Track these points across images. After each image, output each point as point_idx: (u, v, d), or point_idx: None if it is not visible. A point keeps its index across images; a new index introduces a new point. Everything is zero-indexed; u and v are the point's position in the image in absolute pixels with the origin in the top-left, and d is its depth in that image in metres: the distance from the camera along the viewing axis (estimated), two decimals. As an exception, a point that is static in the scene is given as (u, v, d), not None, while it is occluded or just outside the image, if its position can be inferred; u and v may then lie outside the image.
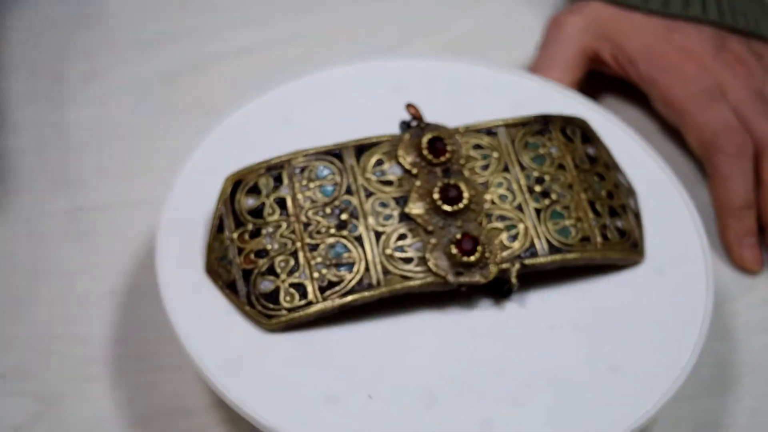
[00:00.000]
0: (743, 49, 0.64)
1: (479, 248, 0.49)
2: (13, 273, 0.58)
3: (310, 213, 0.50)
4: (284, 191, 0.51)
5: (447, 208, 0.50)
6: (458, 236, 0.49)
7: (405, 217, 0.50)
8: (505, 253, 0.50)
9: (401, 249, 0.49)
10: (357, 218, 0.50)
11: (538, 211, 0.51)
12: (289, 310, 0.49)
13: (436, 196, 0.50)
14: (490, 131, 0.53)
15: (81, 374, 0.54)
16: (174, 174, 0.53)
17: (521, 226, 0.51)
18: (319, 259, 0.49)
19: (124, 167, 0.63)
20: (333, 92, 0.58)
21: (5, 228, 0.59)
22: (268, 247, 0.50)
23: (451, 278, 0.49)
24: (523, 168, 0.52)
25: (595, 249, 0.51)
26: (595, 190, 0.52)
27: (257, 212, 0.50)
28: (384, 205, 0.50)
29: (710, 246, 0.54)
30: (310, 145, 0.52)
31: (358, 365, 0.48)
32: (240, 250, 0.50)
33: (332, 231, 0.50)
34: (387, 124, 0.54)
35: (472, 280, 0.49)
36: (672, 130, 0.65)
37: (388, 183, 0.51)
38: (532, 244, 0.50)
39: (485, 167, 0.52)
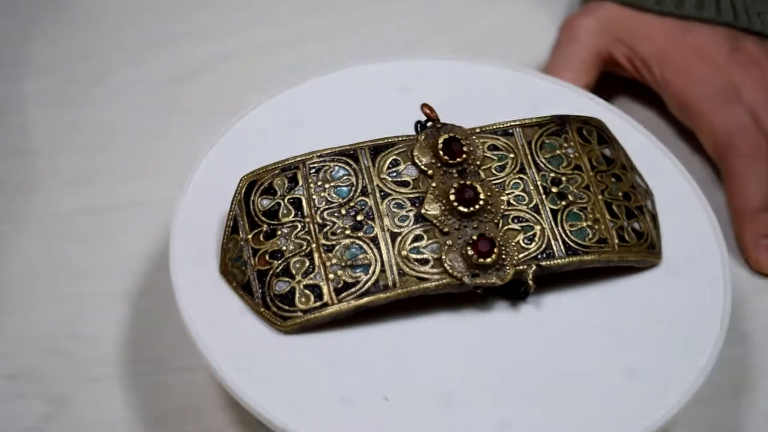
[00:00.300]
0: (758, 51, 0.64)
1: (496, 250, 0.49)
2: (26, 273, 0.57)
3: (325, 214, 0.50)
4: (299, 192, 0.50)
5: (463, 209, 0.49)
6: (474, 237, 0.49)
7: (421, 218, 0.50)
8: (521, 255, 0.49)
9: (417, 250, 0.49)
10: (372, 219, 0.50)
11: (554, 213, 0.51)
12: (305, 311, 0.48)
13: (452, 197, 0.49)
14: (506, 132, 0.53)
15: (92, 375, 0.54)
16: (187, 174, 0.53)
17: (538, 228, 0.50)
18: (334, 261, 0.49)
19: (136, 168, 0.62)
20: (345, 93, 0.58)
21: (17, 229, 0.59)
22: (283, 248, 0.49)
23: (467, 280, 0.48)
24: (539, 169, 0.52)
25: (612, 251, 0.50)
26: (611, 192, 0.52)
27: (272, 213, 0.50)
28: (400, 206, 0.50)
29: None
30: (324, 146, 0.52)
31: (373, 367, 0.48)
32: (255, 251, 0.50)
33: (348, 232, 0.49)
34: (400, 124, 0.53)
35: (488, 281, 0.48)
36: (686, 132, 0.64)
37: (404, 184, 0.51)
38: (549, 246, 0.50)
39: (501, 168, 0.51)
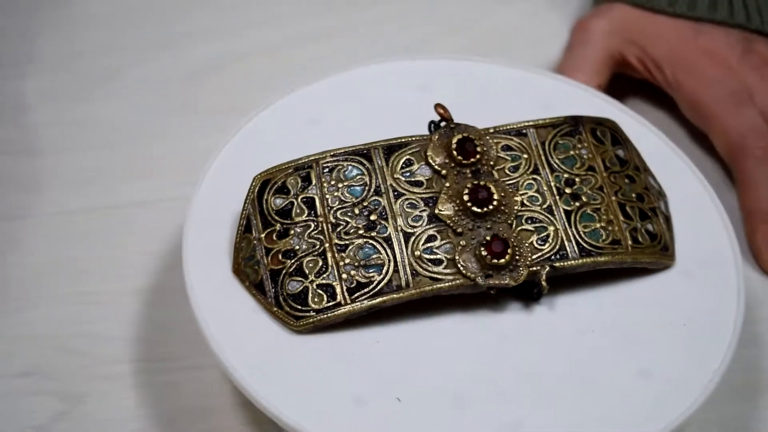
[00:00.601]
0: (770, 53, 0.64)
1: (509, 251, 0.48)
2: (39, 271, 0.57)
3: (338, 213, 0.50)
4: (312, 191, 0.50)
5: (477, 209, 0.49)
6: (488, 238, 0.49)
7: (434, 219, 0.50)
8: (535, 256, 0.49)
9: (430, 251, 0.49)
10: (386, 219, 0.50)
11: (568, 214, 0.51)
12: (318, 311, 0.48)
13: (465, 197, 0.49)
14: (519, 132, 0.52)
15: (104, 374, 0.54)
16: (200, 173, 0.53)
17: (551, 229, 0.50)
18: (347, 260, 0.49)
19: (148, 166, 0.62)
20: (359, 92, 0.58)
21: (29, 226, 0.59)
22: (296, 247, 0.49)
23: (480, 281, 0.48)
24: (553, 170, 0.52)
25: (625, 252, 0.50)
26: (625, 193, 0.52)
27: (285, 212, 0.50)
28: (413, 206, 0.50)
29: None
30: (337, 145, 0.52)
31: (385, 367, 0.48)
32: (268, 251, 0.49)
33: (361, 232, 0.49)
34: (413, 124, 0.53)
35: (501, 282, 0.48)
36: (699, 134, 0.64)
37: (418, 184, 0.51)
38: (563, 247, 0.50)
39: (515, 168, 0.51)
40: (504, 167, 0.51)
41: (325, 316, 0.48)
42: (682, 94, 0.63)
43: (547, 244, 0.50)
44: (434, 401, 0.47)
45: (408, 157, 0.51)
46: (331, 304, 0.48)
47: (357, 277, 0.48)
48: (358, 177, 0.51)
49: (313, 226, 0.50)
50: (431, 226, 0.50)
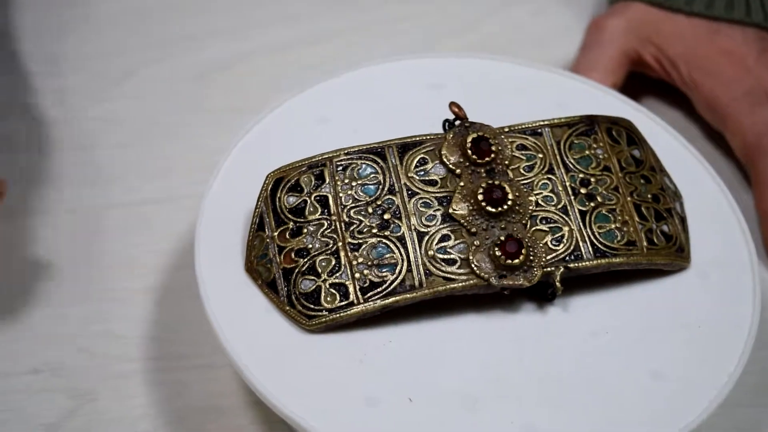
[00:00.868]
0: (788, 52, 0.63)
1: (523, 251, 0.48)
2: (51, 268, 0.57)
3: (352, 212, 0.49)
4: (326, 189, 0.50)
5: (491, 209, 0.49)
6: (502, 238, 0.48)
7: (448, 218, 0.49)
8: (549, 256, 0.49)
9: (444, 250, 0.49)
10: (399, 218, 0.49)
11: (583, 214, 0.50)
12: (330, 310, 0.48)
13: (480, 197, 0.49)
14: (535, 131, 0.52)
15: (115, 371, 0.54)
16: (213, 171, 0.53)
17: (566, 229, 0.50)
18: (360, 260, 0.48)
19: (162, 164, 0.62)
20: (370, 91, 0.57)
21: (42, 224, 0.59)
22: (309, 246, 0.49)
23: (494, 281, 0.48)
24: (568, 169, 0.51)
25: (640, 253, 0.50)
26: (641, 194, 0.51)
27: (298, 210, 0.50)
28: (427, 205, 0.50)
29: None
30: (350, 143, 0.51)
31: (398, 367, 0.47)
32: (280, 249, 0.49)
33: (374, 231, 0.49)
34: (426, 123, 0.53)
35: (515, 283, 0.48)
36: (715, 134, 0.64)
37: (432, 183, 0.50)
38: (577, 248, 0.49)
39: (530, 168, 0.51)
40: (519, 167, 0.51)
41: (338, 315, 0.48)
42: (698, 94, 0.63)
43: (562, 245, 0.49)
44: (446, 402, 0.47)
45: (422, 155, 0.51)
46: (343, 303, 0.48)
47: (370, 277, 0.48)
48: (372, 175, 0.50)
49: (326, 224, 0.49)
50: (445, 225, 0.49)
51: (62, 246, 0.58)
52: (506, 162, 0.51)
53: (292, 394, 0.46)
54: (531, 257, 0.48)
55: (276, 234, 0.50)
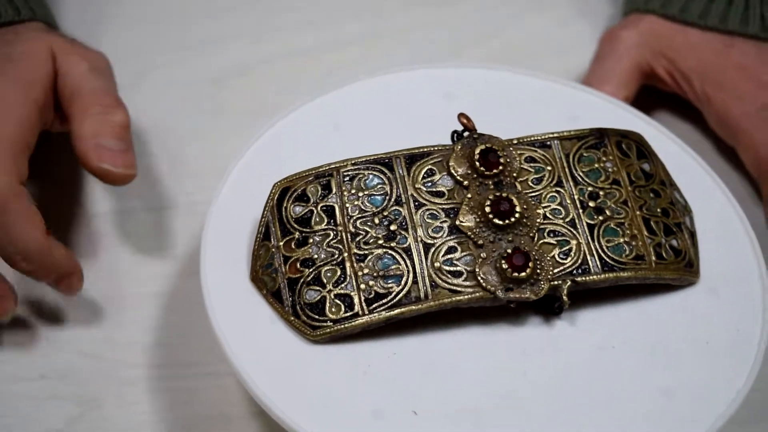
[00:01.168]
0: (802, 68, 0.63)
1: (530, 264, 0.48)
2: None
3: (358, 223, 0.49)
4: (332, 200, 0.50)
5: (498, 221, 0.49)
6: (509, 251, 0.48)
7: (455, 230, 0.49)
8: (556, 270, 0.49)
9: (450, 262, 0.48)
10: (406, 229, 0.49)
11: (591, 227, 0.50)
12: (335, 321, 0.48)
13: (487, 209, 0.49)
14: (544, 144, 0.52)
15: (121, 378, 0.54)
16: (221, 178, 0.53)
17: (574, 243, 0.49)
18: (366, 270, 0.48)
19: (172, 170, 0.62)
20: (383, 99, 0.57)
21: (52, 228, 0.59)
22: (315, 256, 0.49)
23: (500, 294, 0.48)
24: (576, 182, 0.51)
25: (649, 268, 0.49)
26: (650, 207, 0.51)
27: (305, 220, 0.50)
28: (434, 216, 0.49)
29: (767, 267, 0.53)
30: (359, 152, 0.51)
31: (403, 380, 0.47)
32: (286, 259, 0.49)
33: (380, 242, 0.49)
34: (438, 133, 0.53)
35: (522, 296, 0.48)
36: (727, 148, 0.63)
37: (439, 194, 0.50)
38: (585, 261, 0.49)
39: (538, 181, 0.51)
40: (527, 179, 0.51)
41: (343, 326, 0.48)
42: (710, 108, 0.63)
43: (570, 258, 0.49)
44: (451, 416, 0.46)
45: (430, 167, 0.51)
46: (348, 314, 0.48)
47: (375, 288, 0.48)
48: (379, 186, 0.50)
49: (332, 235, 0.49)
50: (452, 237, 0.49)
51: (71, 250, 0.58)
52: (514, 174, 0.50)
53: (296, 405, 0.46)
54: (538, 270, 0.48)
55: (282, 244, 0.49)
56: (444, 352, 0.48)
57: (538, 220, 0.50)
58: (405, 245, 0.49)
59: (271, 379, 0.47)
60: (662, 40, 0.64)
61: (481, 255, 0.48)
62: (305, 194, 0.50)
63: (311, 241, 0.49)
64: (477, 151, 0.50)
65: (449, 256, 0.49)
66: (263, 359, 0.47)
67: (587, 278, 0.49)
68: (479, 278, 0.48)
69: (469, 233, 0.49)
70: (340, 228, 0.49)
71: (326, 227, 0.49)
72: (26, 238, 0.51)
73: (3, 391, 0.53)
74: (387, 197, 0.50)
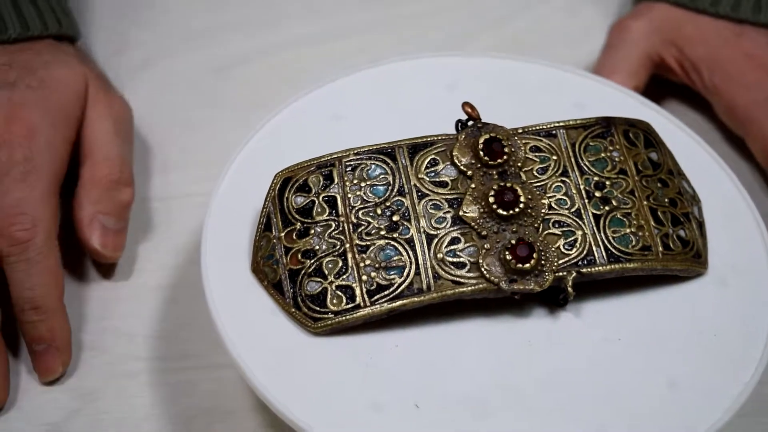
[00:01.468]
0: (812, 56, 0.62)
1: (535, 255, 0.47)
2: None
3: (360, 213, 0.49)
4: (334, 190, 0.49)
5: (502, 212, 0.48)
6: (513, 242, 0.47)
7: (458, 220, 0.48)
8: (561, 261, 0.48)
9: (453, 253, 0.48)
10: (408, 220, 0.48)
11: (597, 218, 0.49)
12: (336, 313, 0.47)
13: (491, 199, 0.48)
14: (549, 133, 0.51)
15: (120, 371, 0.53)
16: (223, 169, 0.52)
17: (579, 233, 0.49)
18: (368, 262, 0.48)
19: (174, 160, 0.62)
20: (387, 89, 0.56)
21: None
22: (316, 247, 0.48)
23: (504, 285, 0.47)
24: (582, 172, 0.50)
25: (656, 259, 0.49)
26: (657, 197, 0.50)
27: (306, 211, 0.49)
28: (437, 207, 0.49)
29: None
30: (362, 142, 0.51)
31: (404, 372, 0.47)
32: (287, 250, 0.48)
33: (383, 233, 0.48)
34: (442, 123, 0.52)
35: (526, 287, 0.47)
36: (736, 138, 0.62)
37: (442, 184, 0.49)
38: (591, 252, 0.48)
39: (543, 170, 0.50)
40: (532, 169, 0.50)
41: (344, 318, 0.47)
42: (719, 98, 0.62)
43: (575, 249, 0.48)
44: (454, 409, 0.46)
45: (433, 156, 0.50)
46: (350, 306, 0.47)
47: (377, 279, 0.47)
48: (382, 176, 0.49)
49: (334, 225, 0.48)
50: (455, 228, 0.48)
51: (73, 241, 0.57)
52: (519, 164, 0.50)
53: (296, 398, 0.45)
54: (542, 261, 0.47)
55: (283, 234, 0.49)
56: (447, 344, 0.48)
57: (543, 211, 0.49)
58: (407, 236, 0.48)
59: (271, 371, 0.46)
60: (672, 29, 0.63)
61: (485, 246, 0.48)
62: (307, 184, 0.49)
63: (313, 231, 0.48)
64: (481, 140, 0.49)
65: (452, 247, 0.48)
66: (263, 351, 0.47)
67: (593, 269, 0.48)
68: (483, 269, 0.47)
69: (473, 224, 0.48)
70: (342, 218, 0.49)
71: (328, 218, 0.49)
72: (46, 292, 0.52)
73: (2, 383, 0.52)
74: (389, 187, 0.49)
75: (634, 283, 0.49)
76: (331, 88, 0.56)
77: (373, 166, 0.50)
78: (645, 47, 0.63)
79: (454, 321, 0.48)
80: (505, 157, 0.49)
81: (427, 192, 0.49)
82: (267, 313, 0.48)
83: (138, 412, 0.52)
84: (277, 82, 0.66)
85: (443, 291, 0.47)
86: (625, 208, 0.50)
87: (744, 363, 0.47)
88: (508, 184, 0.48)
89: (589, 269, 0.48)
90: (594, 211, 0.49)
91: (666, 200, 0.51)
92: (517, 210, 0.48)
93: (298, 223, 0.49)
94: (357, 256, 0.48)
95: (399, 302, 0.47)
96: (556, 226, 0.49)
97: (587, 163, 0.50)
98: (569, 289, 0.47)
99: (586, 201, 0.49)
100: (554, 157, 0.50)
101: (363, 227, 0.48)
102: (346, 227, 0.48)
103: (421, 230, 0.48)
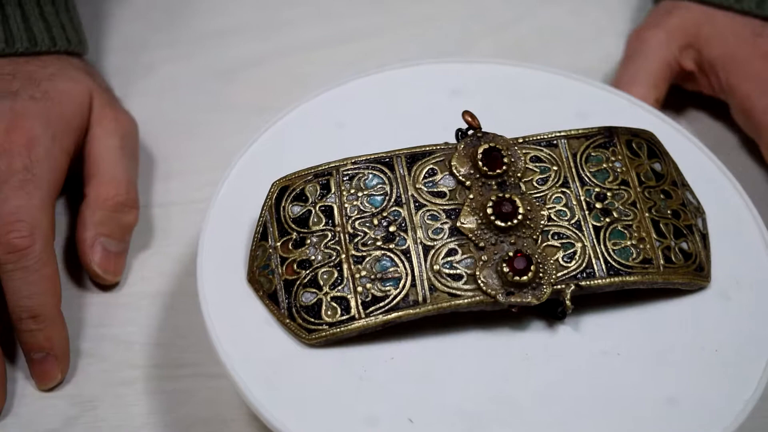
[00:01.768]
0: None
1: (533, 267, 0.46)
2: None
3: (357, 224, 0.48)
4: (331, 200, 0.49)
5: (500, 223, 0.47)
6: (511, 254, 0.47)
7: (456, 232, 0.48)
8: (560, 274, 0.47)
9: (450, 265, 0.47)
10: (405, 231, 0.48)
11: (597, 230, 0.48)
12: (331, 324, 0.46)
13: (489, 210, 0.47)
14: (550, 143, 0.50)
15: (118, 378, 0.53)
16: (221, 176, 0.52)
17: (579, 245, 0.48)
18: (363, 273, 0.47)
19: (176, 166, 0.61)
20: (389, 95, 0.56)
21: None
22: (312, 257, 0.48)
23: (501, 298, 0.46)
24: (583, 183, 0.49)
25: (657, 272, 0.48)
26: (659, 209, 0.49)
27: (303, 221, 0.48)
28: (434, 217, 0.48)
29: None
30: (363, 150, 0.50)
31: (399, 386, 0.46)
32: (283, 260, 0.48)
33: (379, 243, 0.48)
34: (443, 130, 0.52)
35: (523, 300, 0.46)
36: (753, 145, 0.61)
37: (440, 194, 0.49)
38: (590, 265, 0.47)
39: (543, 181, 0.49)
40: (532, 179, 0.49)
41: (338, 330, 0.46)
42: (734, 100, 0.61)
43: (574, 262, 0.47)
44: (449, 424, 0.45)
45: (431, 166, 0.49)
46: (344, 317, 0.47)
47: (373, 291, 0.47)
48: (379, 186, 0.49)
49: (330, 236, 0.48)
50: (452, 239, 0.48)
51: (71, 247, 0.57)
52: (519, 174, 0.49)
53: (288, 410, 0.45)
54: (540, 274, 0.47)
55: (279, 244, 0.48)
56: (443, 357, 0.47)
57: (542, 222, 0.48)
58: (404, 247, 0.47)
59: (264, 383, 0.46)
60: (690, 33, 0.62)
61: (482, 258, 0.47)
62: (304, 194, 0.49)
63: (309, 241, 0.48)
64: (480, 150, 0.49)
65: (449, 259, 0.47)
66: (258, 363, 0.46)
67: (592, 282, 0.47)
68: (479, 282, 0.47)
69: (470, 235, 0.47)
70: (338, 229, 0.48)
71: (324, 228, 0.48)
72: (44, 300, 0.51)
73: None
74: (387, 197, 0.49)
75: (634, 296, 0.49)
76: (331, 95, 0.56)
77: (370, 176, 0.49)
78: (664, 56, 0.62)
79: (450, 333, 0.48)
80: (504, 167, 0.49)
81: (424, 202, 0.48)
82: (262, 323, 0.47)
83: (135, 420, 0.51)
84: (280, 88, 0.66)
85: (439, 303, 0.46)
86: (626, 219, 0.49)
87: (745, 380, 0.46)
88: (507, 195, 0.48)
89: (588, 282, 0.47)
90: (594, 223, 0.49)
91: (669, 212, 0.50)
92: (515, 221, 0.47)
93: (295, 233, 0.48)
94: (353, 267, 0.47)
95: (394, 314, 0.46)
96: (556, 237, 0.48)
97: (588, 174, 0.50)
98: (567, 302, 0.47)
99: (587, 212, 0.49)
100: (555, 168, 0.50)
101: (359, 238, 0.48)
102: (342, 237, 0.48)
103: (418, 241, 0.48)
